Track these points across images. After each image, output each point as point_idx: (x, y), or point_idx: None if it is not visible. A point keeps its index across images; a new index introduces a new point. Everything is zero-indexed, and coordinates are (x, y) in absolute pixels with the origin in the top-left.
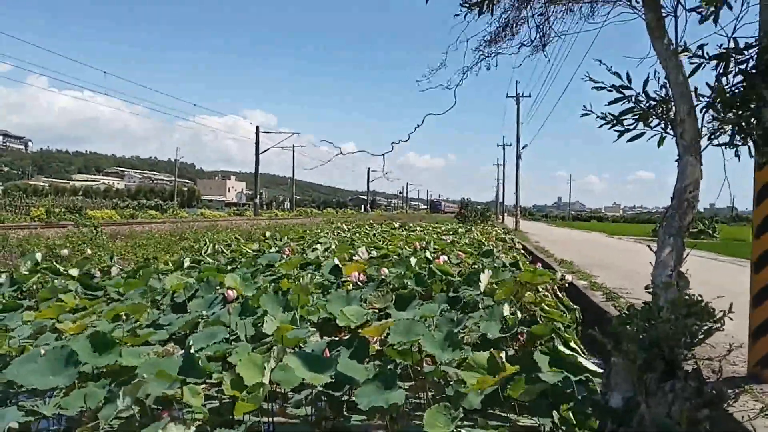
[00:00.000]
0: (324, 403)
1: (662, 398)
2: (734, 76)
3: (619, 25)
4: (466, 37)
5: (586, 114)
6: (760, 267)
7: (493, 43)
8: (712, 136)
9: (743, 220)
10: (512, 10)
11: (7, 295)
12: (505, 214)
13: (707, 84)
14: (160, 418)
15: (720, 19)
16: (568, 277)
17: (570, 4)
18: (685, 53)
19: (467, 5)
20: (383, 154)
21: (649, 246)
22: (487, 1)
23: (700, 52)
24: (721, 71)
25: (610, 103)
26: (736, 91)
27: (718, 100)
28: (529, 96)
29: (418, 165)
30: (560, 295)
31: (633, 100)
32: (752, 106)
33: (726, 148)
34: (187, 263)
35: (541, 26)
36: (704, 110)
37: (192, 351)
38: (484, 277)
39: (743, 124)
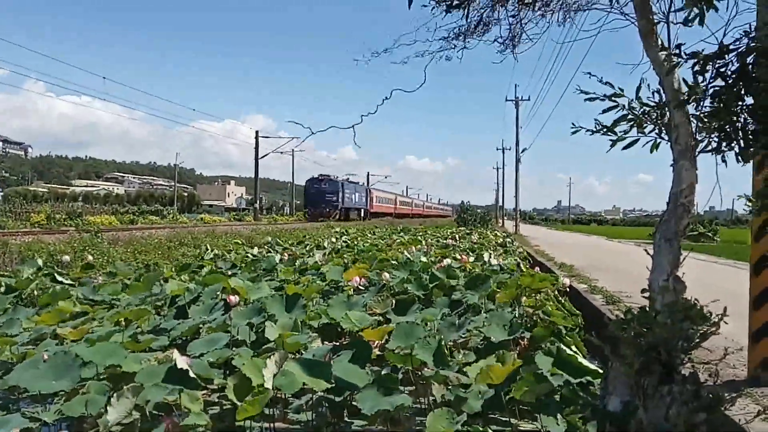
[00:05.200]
0: (325, 408)
1: (660, 402)
2: (714, 78)
3: (613, 31)
4: (436, 26)
5: (577, 130)
6: (760, 270)
7: (463, 37)
8: (701, 146)
9: (743, 222)
10: (487, 9)
11: (7, 302)
12: (505, 218)
13: (684, 80)
14: (161, 424)
15: (710, 25)
16: (567, 281)
17: (543, 10)
18: (662, 51)
19: (437, 1)
20: (353, 126)
21: (645, 250)
22: (457, 3)
23: (677, 51)
24: (697, 69)
25: (604, 111)
26: (712, 91)
27: (693, 97)
28: (528, 99)
29: (417, 168)
30: (561, 300)
31: (626, 107)
32: (733, 109)
33: (713, 154)
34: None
35: (512, 27)
36: (679, 106)
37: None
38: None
39: (727, 129)
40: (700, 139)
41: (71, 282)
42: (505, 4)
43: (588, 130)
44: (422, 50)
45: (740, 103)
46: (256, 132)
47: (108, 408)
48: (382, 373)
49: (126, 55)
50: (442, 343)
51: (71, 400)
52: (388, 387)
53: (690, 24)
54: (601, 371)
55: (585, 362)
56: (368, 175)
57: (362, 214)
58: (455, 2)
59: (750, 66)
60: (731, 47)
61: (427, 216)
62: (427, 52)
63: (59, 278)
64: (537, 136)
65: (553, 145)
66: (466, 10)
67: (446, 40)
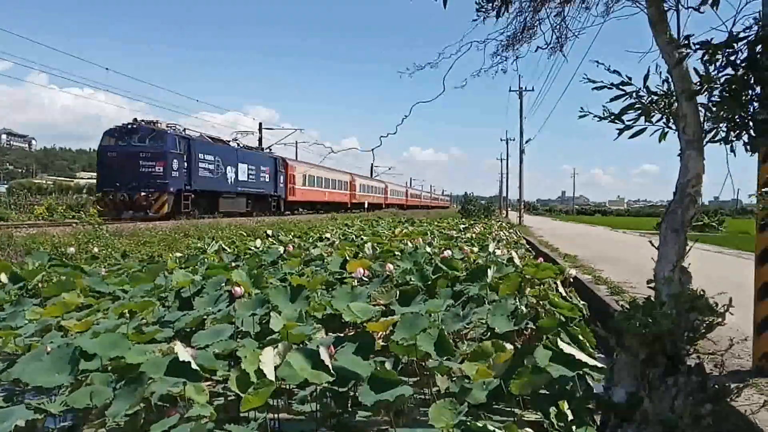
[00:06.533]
0: (329, 399)
1: (665, 393)
2: (724, 67)
3: (622, 19)
4: (483, 41)
5: (584, 115)
6: (765, 260)
7: (511, 46)
8: (709, 135)
9: (748, 213)
10: (529, 12)
11: (13, 293)
12: (509, 209)
13: (695, 70)
14: (166, 415)
15: (720, 14)
16: (572, 272)
17: (586, 3)
18: (672, 42)
19: (484, 11)
20: (372, 150)
21: (650, 241)
22: (503, 6)
23: (686, 42)
24: (707, 59)
25: (611, 100)
26: (724, 81)
27: (705, 86)
28: (532, 90)
29: (421, 160)
30: (563, 291)
31: (634, 95)
32: (743, 99)
33: (721, 144)
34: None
35: (557, 27)
36: (692, 98)
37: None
38: (490, 273)
39: (736, 119)
40: (708, 128)
41: (77, 269)
42: (547, 4)
43: (596, 116)
44: (476, 71)
45: (750, 92)
46: (260, 124)
47: (114, 400)
48: (385, 365)
49: (127, 47)
50: (444, 332)
51: (76, 392)
52: (388, 379)
53: (702, 11)
54: (600, 366)
55: (584, 357)
56: (372, 166)
57: (271, 204)
58: (501, 6)
59: (759, 55)
60: (741, 36)
61: (413, 207)
62: (482, 69)
63: (68, 263)
64: (542, 127)
65: (557, 136)
66: (504, 10)
67: (497, 54)
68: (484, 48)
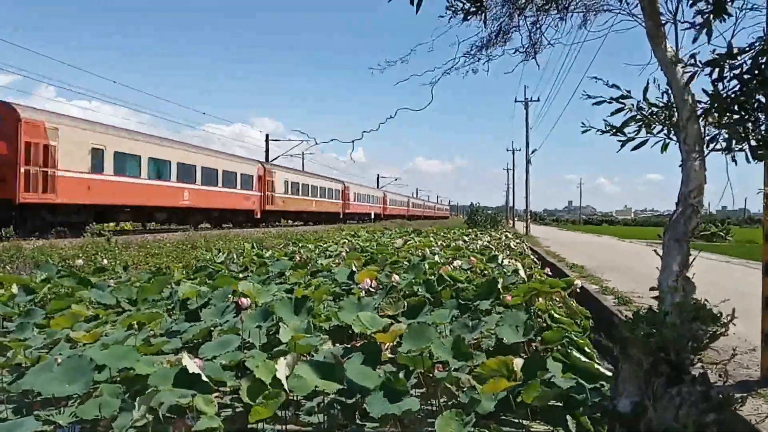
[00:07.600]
0: (337, 410)
1: (669, 403)
2: (729, 81)
3: (621, 33)
4: (458, 40)
5: (587, 130)
6: None
7: (485, 48)
8: (710, 143)
9: (755, 222)
10: (504, 18)
11: (23, 304)
12: (516, 219)
13: (704, 90)
14: (174, 427)
15: (719, 25)
16: (579, 282)
17: (562, 13)
18: (679, 63)
19: (452, 10)
20: (353, 141)
21: (655, 250)
22: (473, 10)
23: (693, 61)
24: (716, 77)
25: (612, 113)
26: (732, 96)
27: (716, 105)
28: (538, 100)
29: (427, 170)
30: (570, 303)
31: (635, 108)
32: (749, 110)
33: (723, 153)
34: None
35: (532, 34)
36: (702, 116)
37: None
38: (500, 287)
39: (740, 129)
40: (710, 136)
41: (88, 280)
42: (523, 12)
43: (598, 131)
44: (448, 68)
45: (753, 102)
46: (266, 135)
47: (122, 411)
48: (393, 375)
49: (135, 60)
50: (460, 337)
51: (85, 403)
52: (396, 391)
53: (698, 34)
54: (610, 375)
55: (597, 366)
56: (378, 177)
57: None
58: (471, 9)
59: (763, 66)
60: (746, 49)
61: (397, 217)
62: (453, 68)
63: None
64: (547, 137)
65: (562, 145)
66: (483, 18)
67: (469, 54)
68: (457, 46)
